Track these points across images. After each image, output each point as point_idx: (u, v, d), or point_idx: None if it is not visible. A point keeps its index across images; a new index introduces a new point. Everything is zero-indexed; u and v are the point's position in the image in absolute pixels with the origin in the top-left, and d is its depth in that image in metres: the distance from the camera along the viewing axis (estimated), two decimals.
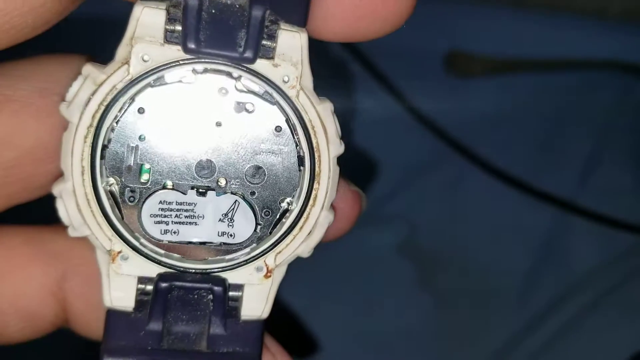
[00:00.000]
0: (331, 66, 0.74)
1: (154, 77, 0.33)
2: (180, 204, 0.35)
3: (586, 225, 0.72)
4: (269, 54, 0.33)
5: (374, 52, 0.75)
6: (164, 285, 0.34)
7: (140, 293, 0.35)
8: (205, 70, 0.33)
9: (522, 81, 0.77)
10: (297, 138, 0.35)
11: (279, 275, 0.36)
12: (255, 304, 0.36)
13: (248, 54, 0.33)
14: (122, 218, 0.34)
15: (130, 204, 0.34)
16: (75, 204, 0.33)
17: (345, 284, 0.69)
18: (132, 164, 0.34)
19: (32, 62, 0.36)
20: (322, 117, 0.35)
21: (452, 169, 0.75)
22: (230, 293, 0.36)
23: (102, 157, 0.33)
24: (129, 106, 0.33)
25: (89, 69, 0.33)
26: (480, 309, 0.69)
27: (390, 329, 0.67)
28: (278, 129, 0.35)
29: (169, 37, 0.33)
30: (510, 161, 0.73)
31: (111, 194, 0.34)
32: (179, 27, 0.32)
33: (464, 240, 0.72)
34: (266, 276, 0.36)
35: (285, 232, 0.36)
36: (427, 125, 0.76)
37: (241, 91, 0.34)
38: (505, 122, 0.76)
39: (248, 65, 0.33)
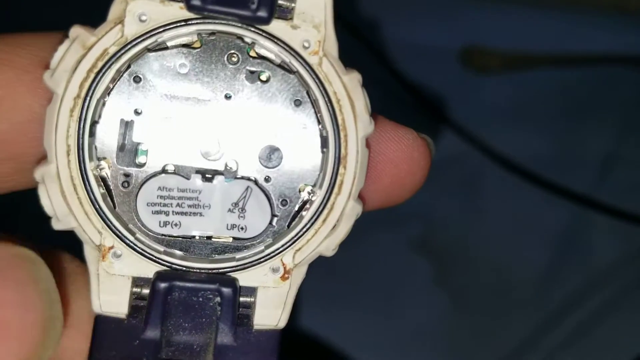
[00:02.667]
0: (346, 62, 0.71)
1: (153, 39, 0.28)
2: (183, 190, 0.29)
3: (605, 220, 0.71)
4: (287, 14, 0.29)
5: (391, 50, 0.73)
6: (162, 285, 0.29)
7: (136, 298, 0.30)
8: (213, 34, 0.29)
9: (540, 76, 0.77)
10: (320, 113, 0.30)
11: (298, 276, 0.31)
12: (270, 310, 0.30)
13: (262, 12, 0.28)
14: (115, 207, 0.29)
15: (123, 190, 0.29)
16: (59, 190, 0.28)
17: (361, 282, 0.67)
18: (126, 143, 0.29)
19: (37, 34, 0.31)
20: (348, 89, 0.30)
21: (470, 165, 0.74)
22: (241, 299, 0.30)
23: (92, 134, 0.28)
24: (123, 74, 0.28)
25: (77, 30, 0.28)
26: (498, 306, 0.68)
27: (406, 327, 0.66)
28: (297, 102, 0.30)
29: None
30: (528, 157, 0.73)
31: (102, 179, 0.29)
32: None
33: (482, 237, 0.71)
34: (283, 278, 0.30)
35: (305, 225, 0.30)
36: (444, 120, 0.75)
37: (254, 58, 0.29)
38: (523, 117, 0.75)
39: (262, 27, 0.28)
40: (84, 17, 0.29)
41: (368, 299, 0.67)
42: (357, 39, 0.73)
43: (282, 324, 0.30)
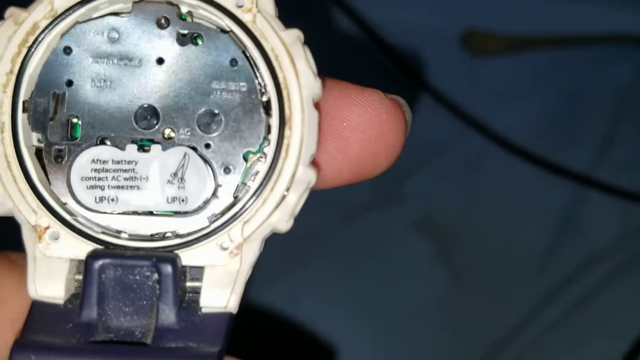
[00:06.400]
0: (346, 47, 0.73)
1: (83, 10, 0.28)
2: (118, 162, 0.28)
3: (604, 199, 0.72)
4: None
5: (391, 33, 0.74)
6: (94, 263, 0.27)
7: (79, 285, 0.28)
8: (141, 0, 0.28)
9: (539, 57, 0.77)
10: (259, 73, 0.28)
11: (249, 253, 0.28)
12: (218, 291, 0.28)
13: None
14: (50, 184, 0.28)
15: (57, 165, 0.28)
16: None
17: (363, 261, 0.68)
18: (58, 116, 0.28)
19: None
20: (287, 45, 0.28)
21: (469, 146, 0.74)
22: (188, 284, 0.28)
23: (25, 109, 0.28)
24: (55, 46, 0.28)
25: (11, 10, 0.28)
26: (498, 284, 0.69)
27: (408, 305, 0.67)
28: (233, 62, 0.28)
29: None
30: (527, 137, 0.74)
31: (37, 156, 0.28)
32: None
33: (482, 216, 0.71)
34: (232, 254, 0.28)
35: (253, 194, 0.28)
36: (444, 103, 0.75)
37: (185, 20, 0.28)
38: (522, 98, 0.76)
39: None
40: None
41: (368, 278, 0.67)
42: (355, 21, 0.74)
43: (231, 305, 0.27)
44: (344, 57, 0.71)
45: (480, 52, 0.78)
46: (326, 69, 0.29)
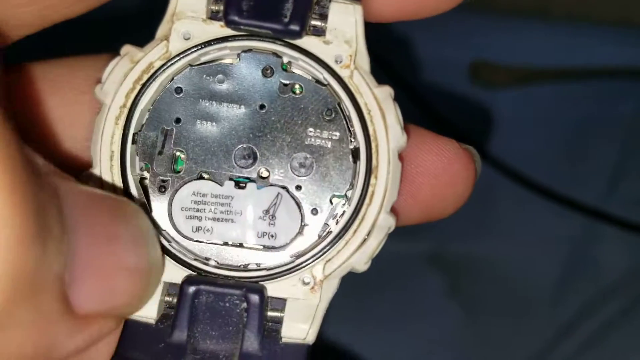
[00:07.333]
0: None
1: (195, 55, 0.30)
2: (216, 196, 0.30)
3: (615, 232, 0.71)
4: (320, 32, 0.30)
5: (400, 64, 0.74)
6: (190, 288, 0.29)
7: (168, 307, 0.30)
8: (250, 50, 0.31)
9: (547, 90, 0.77)
10: (351, 124, 0.30)
11: (328, 289, 0.30)
12: (299, 323, 0.30)
13: (294, 26, 0.30)
14: (151, 211, 0.30)
15: (160, 194, 0.30)
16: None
17: (374, 296, 0.68)
18: (165, 150, 0.30)
19: (93, 56, 0.34)
20: (379, 100, 0.30)
21: (479, 179, 0.73)
22: (270, 313, 0.30)
23: (135, 141, 0.30)
24: (167, 85, 0.30)
25: (127, 48, 0.30)
26: (510, 318, 0.69)
27: (420, 340, 0.67)
28: (329, 113, 0.30)
29: (213, 15, 0.30)
30: (537, 170, 0.73)
31: (141, 184, 0.30)
32: (222, 7, 0.30)
33: (493, 249, 0.71)
34: (313, 290, 0.30)
35: (336, 236, 0.30)
36: (454, 136, 0.74)
37: (288, 71, 0.31)
38: (531, 131, 0.76)
39: (296, 42, 0.30)
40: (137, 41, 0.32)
41: (380, 313, 0.67)
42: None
43: (310, 338, 0.30)
44: None
45: (489, 84, 0.77)
46: None
